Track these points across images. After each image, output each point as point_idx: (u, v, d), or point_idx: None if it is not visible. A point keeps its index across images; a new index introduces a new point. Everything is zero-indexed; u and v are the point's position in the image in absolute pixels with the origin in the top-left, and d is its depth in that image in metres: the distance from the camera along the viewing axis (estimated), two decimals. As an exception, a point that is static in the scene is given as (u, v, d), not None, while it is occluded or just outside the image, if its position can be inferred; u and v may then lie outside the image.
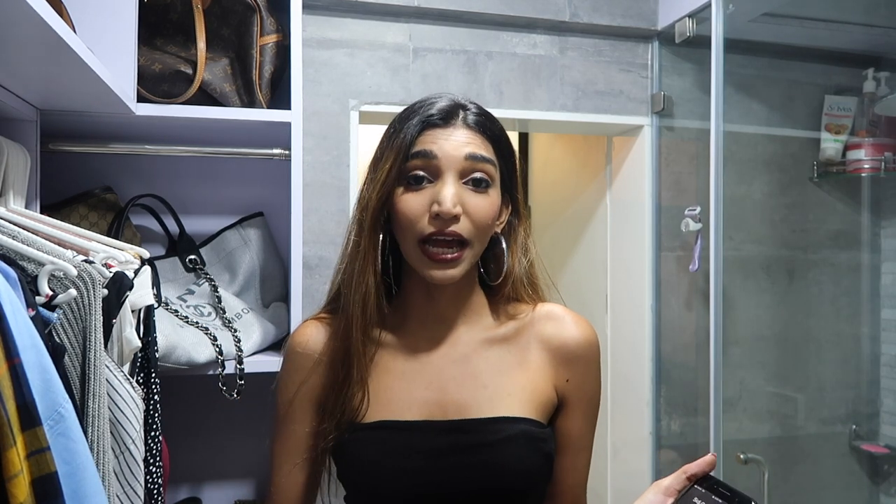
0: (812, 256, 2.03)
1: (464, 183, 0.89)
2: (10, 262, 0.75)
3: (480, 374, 0.94)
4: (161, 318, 1.21)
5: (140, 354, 0.99)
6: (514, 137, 2.61)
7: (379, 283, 0.91)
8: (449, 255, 0.87)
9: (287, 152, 1.35)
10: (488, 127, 0.92)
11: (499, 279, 0.96)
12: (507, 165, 0.95)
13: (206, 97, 1.34)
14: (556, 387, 0.96)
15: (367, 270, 0.90)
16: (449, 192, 0.86)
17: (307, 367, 0.96)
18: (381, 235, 0.90)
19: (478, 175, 0.89)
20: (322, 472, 0.98)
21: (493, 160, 0.91)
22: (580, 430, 0.97)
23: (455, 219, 0.86)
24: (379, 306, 0.91)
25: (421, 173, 0.88)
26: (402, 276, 0.97)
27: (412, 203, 0.88)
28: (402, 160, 0.88)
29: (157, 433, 1.00)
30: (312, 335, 0.98)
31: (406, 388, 0.93)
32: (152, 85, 1.30)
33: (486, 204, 0.89)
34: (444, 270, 0.88)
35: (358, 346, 0.91)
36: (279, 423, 0.98)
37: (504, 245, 0.96)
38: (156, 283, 1.18)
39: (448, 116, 0.90)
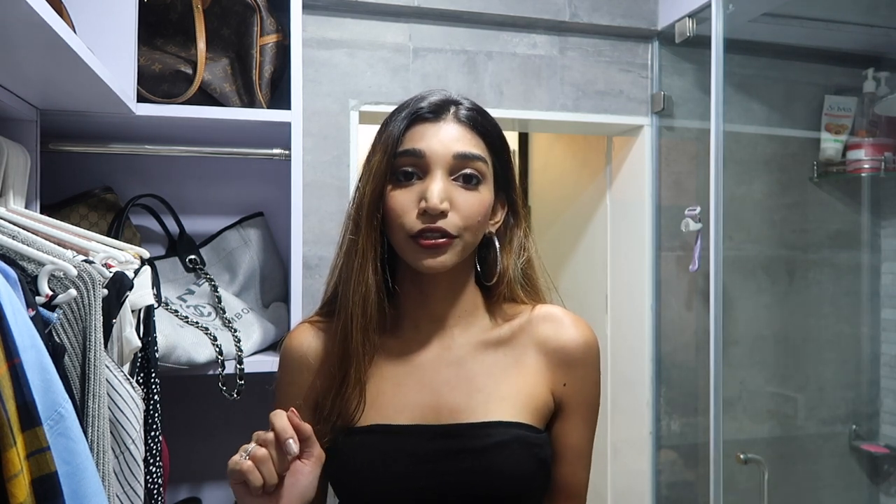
0: (812, 256, 2.03)
1: (453, 179, 0.87)
2: (10, 262, 0.75)
3: (475, 377, 0.92)
4: (161, 318, 1.21)
5: (140, 354, 0.99)
6: (514, 137, 2.62)
7: (380, 282, 0.89)
8: (441, 241, 0.86)
9: (287, 152, 1.35)
10: (480, 122, 0.91)
11: (493, 279, 0.95)
12: (501, 163, 0.93)
13: (206, 97, 1.34)
14: (553, 391, 0.94)
15: (367, 269, 0.88)
16: (436, 188, 0.85)
17: (302, 371, 0.95)
18: (378, 233, 0.89)
19: (468, 171, 0.88)
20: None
21: (483, 157, 0.89)
22: (578, 436, 0.95)
23: (442, 214, 0.85)
24: (380, 306, 0.90)
25: (410, 169, 0.87)
26: (397, 275, 0.95)
27: (400, 199, 0.87)
28: (391, 156, 0.87)
29: (157, 433, 1.00)
30: (306, 339, 0.96)
31: (399, 392, 0.91)
32: (152, 85, 1.30)
33: (476, 201, 0.88)
34: (434, 258, 0.86)
35: (358, 347, 0.89)
36: None
37: (497, 245, 0.95)
38: (156, 283, 1.18)
39: (438, 111, 0.89)
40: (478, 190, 0.88)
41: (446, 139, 0.87)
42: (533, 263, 0.98)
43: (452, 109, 0.90)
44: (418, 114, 0.89)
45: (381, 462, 0.87)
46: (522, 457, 0.87)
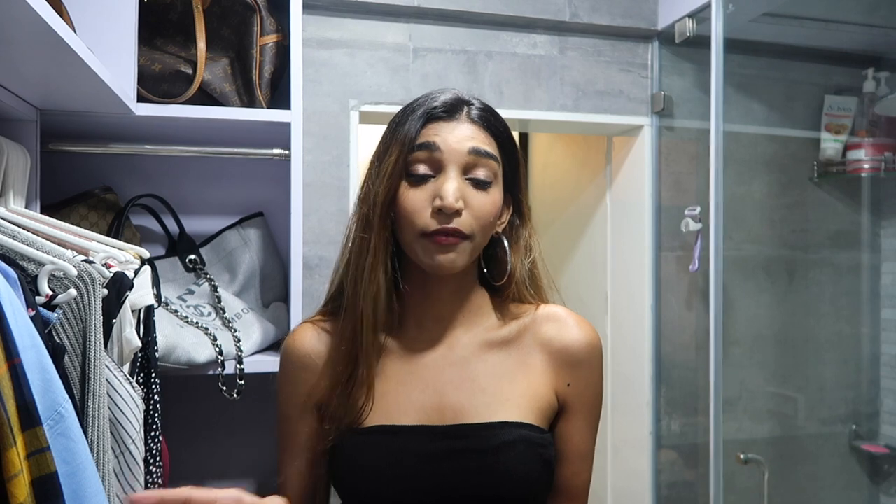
0: (812, 256, 2.03)
1: (466, 179, 0.88)
2: (10, 262, 0.75)
3: (479, 377, 0.92)
4: (161, 318, 1.21)
5: (140, 354, 0.99)
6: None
7: (389, 281, 0.90)
8: (453, 239, 0.86)
9: (287, 152, 1.35)
10: (493, 123, 0.92)
11: (501, 280, 0.95)
12: (511, 164, 0.94)
13: (206, 97, 1.34)
14: (556, 391, 0.94)
15: (378, 268, 0.88)
16: (451, 187, 0.85)
17: (305, 371, 0.95)
18: (390, 232, 0.89)
19: (480, 173, 0.88)
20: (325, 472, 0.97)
21: (496, 156, 0.90)
22: (581, 436, 0.95)
23: (457, 213, 0.86)
24: (389, 306, 0.90)
25: (424, 168, 0.88)
26: (402, 275, 0.95)
27: (414, 198, 0.87)
28: (406, 152, 0.88)
29: (157, 433, 1.00)
30: (309, 339, 0.96)
31: (403, 392, 0.91)
32: (152, 85, 1.30)
33: (488, 201, 0.89)
34: (446, 254, 0.86)
35: (367, 346, 0.89)
36: (280, 426, 0.98)
37: (506, 245, 0.95)
38: (156, 283, 1.18)
39: (452, 110, 0.90)
40: (488, 192, 0.89)
41: (461, 136, 0.88)
42: (538, 263, 0.99)
43: (465, 109, 0.91)
44: (433, 113, 0.89)
45: (386, 463, 0.87)
46: (528, 457, 0.87)
